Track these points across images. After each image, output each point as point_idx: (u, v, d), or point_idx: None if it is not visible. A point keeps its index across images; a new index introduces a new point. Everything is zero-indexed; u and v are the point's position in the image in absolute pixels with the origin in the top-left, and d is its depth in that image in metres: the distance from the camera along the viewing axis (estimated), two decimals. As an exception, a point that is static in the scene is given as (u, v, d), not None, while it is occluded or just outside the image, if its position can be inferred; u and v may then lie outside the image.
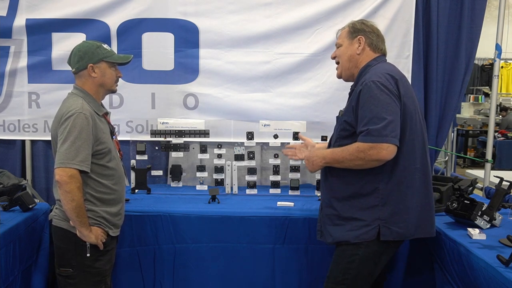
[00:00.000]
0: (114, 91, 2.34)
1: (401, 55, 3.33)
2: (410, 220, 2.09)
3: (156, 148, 3.42)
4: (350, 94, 2.24)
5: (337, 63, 2.30)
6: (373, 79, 2.02)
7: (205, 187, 3.25)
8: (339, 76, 2.32)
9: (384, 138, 1.94)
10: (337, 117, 2.28)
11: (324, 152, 2.18)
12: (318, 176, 3.17)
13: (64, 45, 3.30)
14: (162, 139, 3.25)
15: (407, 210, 2.08)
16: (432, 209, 2.20)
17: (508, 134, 9.21)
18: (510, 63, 10.82)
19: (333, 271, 2.20)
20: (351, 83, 2.28)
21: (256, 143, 3.35)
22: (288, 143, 3.26)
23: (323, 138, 3.17)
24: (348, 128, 2.11)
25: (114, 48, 3.34)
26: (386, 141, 1.95)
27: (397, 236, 2.08)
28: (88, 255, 2.15)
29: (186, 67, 3.41)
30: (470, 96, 11.00)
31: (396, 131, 1.98)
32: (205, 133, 3.26)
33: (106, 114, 2.32)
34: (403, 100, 2.03)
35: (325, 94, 3.39)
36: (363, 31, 2.21)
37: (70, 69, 2.23)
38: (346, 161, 2.05)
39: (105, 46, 2.25)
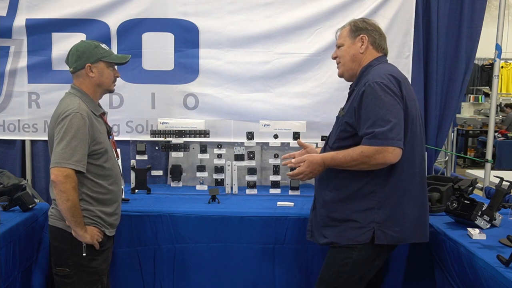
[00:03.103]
0: (111, 91, 2.34)
1: (401, 55, 3.33)
2: (406, 224, 2.07)
3: (156, 148, 3.42)
4: (350, 93, 2.21)
5: (338, 62, 2.25)
6: (376, 80, 1.99)
7: (205, 187, 3.24)
8: (340, 76, 2.27)
9: (390, 141, 1.92)
10: (337, 116, 2.23)
11: (324, 159, 2.08)
12: (318, 176, 3.17)
13: (64, 45, 3.29)
14: (162, 139, 3.25)
15: (404, 215, 2.06)
16: (427, 214, 2.18)
17: (508, 134, 9.22)
18: (510, 63, 10.83)
19: (324, 274, 2.17)
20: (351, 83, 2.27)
21: (256, 143, 3.35)
22: (288, 143, 3.29)
23: (323, 138, 3.17)
24: (348, 129, 2.08)
25: (114, 48, 3.34)
26: (392, 144, 1.93)
27: (391, 240, 2.06)
28: (84, 254, 2.15)
29: (186, 67, 3.41)
30: (470, 96, 11.00)
31: (401, 134, 1.96)
32: (205, 133, 3.26)
33: (103, 114, 2.31)
34: (406, 102, 2.01)
35: (325, 94, 3.39)
36: (365, 30, 2.16)
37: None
38: (350, 166, 2.01)
39: (103, 45, 2.25)
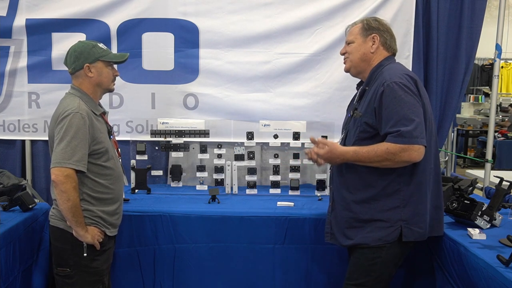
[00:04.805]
0: (111, 90, 2.34)
1: (401, 55, 3.32)
2: (427, 220, 2.11)
3: (156, 148, 3.42)
4: (361, 92, 2.19)
5: (346, 58, 2.25)
6: (394, 80, 2.00)
7: (205, 187, 3.24)
8: (347, 70, 2.27)
9: (415, 140, 1.95)
10: (351, 116, 2.21)
11: (345, 153, 2.08)
12: (318, 176, 3.17)
13: (64, 45, 3.28)
14: (162, 139, 3.25)
15: (426, 210, 2.10)
16: (442, 208, 2.22)
17: (508, 134, 9.21)
18: (510, 63, 10.82)
19: (353, 274, 2.18)
20: (352, 84, 2.26)
21: (256, 143, 3.34)
22: (288, 143, 3.29)
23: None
24: (369, 130, 2.08)
25: (114, 48, 3.34)
26: (417, 143, 1.95)
27: (418, 236, 2.09)
28: (85, 254, 2.15)
29: (186, 67, 3.41)
30: (470, 96, 11.00)
31: (424, 132, 1.99)
32: (205, 133, 3.26)
33: (104, 113, 2.31)
34: (423, 101, 2.04)
35: (325, 94, 3.39)
36: (377, 30, 2.17)
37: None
38: (372, 162, 2.02)
39: (101, 45, 2.25)
